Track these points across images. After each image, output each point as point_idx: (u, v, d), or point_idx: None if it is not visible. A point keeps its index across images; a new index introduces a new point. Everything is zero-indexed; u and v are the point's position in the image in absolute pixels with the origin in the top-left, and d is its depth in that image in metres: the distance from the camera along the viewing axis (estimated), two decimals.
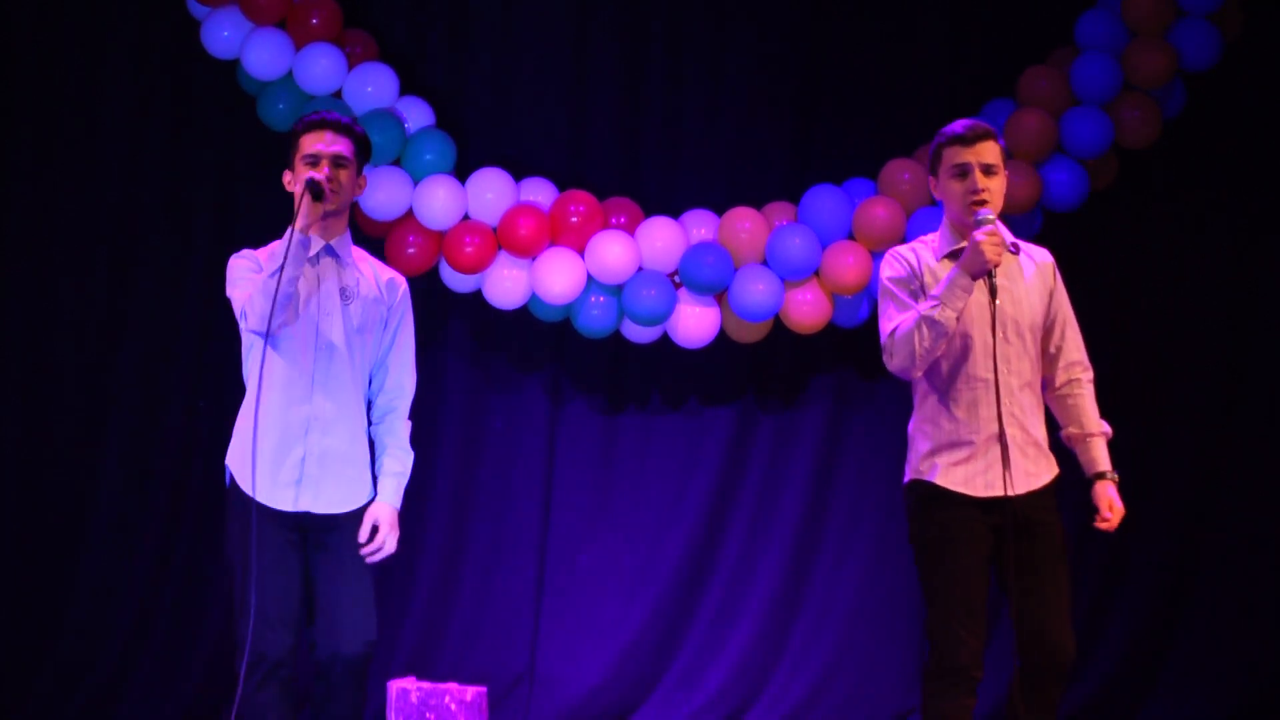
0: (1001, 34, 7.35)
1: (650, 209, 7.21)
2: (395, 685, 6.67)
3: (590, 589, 7.39)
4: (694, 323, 7.08)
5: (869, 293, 7.09)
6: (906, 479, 5.16)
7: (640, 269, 7.06)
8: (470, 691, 6.80)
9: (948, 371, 5.04)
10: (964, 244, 4.99)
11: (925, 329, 4.91)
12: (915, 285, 5.07)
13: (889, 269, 5.12)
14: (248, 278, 5.03)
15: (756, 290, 6.99)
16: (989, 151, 5.01)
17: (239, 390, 7.27)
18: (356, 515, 5.07)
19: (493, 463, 7.38)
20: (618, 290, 7.08)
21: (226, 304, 7.21)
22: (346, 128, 5.06)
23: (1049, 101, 7.01)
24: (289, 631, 4.93)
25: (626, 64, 7.43)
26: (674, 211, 7.22)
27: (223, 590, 7.26)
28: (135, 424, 7.36)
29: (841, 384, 7.41)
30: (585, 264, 7.03)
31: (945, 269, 5.05)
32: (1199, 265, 7.38)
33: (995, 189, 5.01)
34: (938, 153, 5.07)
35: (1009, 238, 5.11)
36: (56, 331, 7.37)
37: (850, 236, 7.08)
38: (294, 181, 5.06)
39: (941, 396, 5.06)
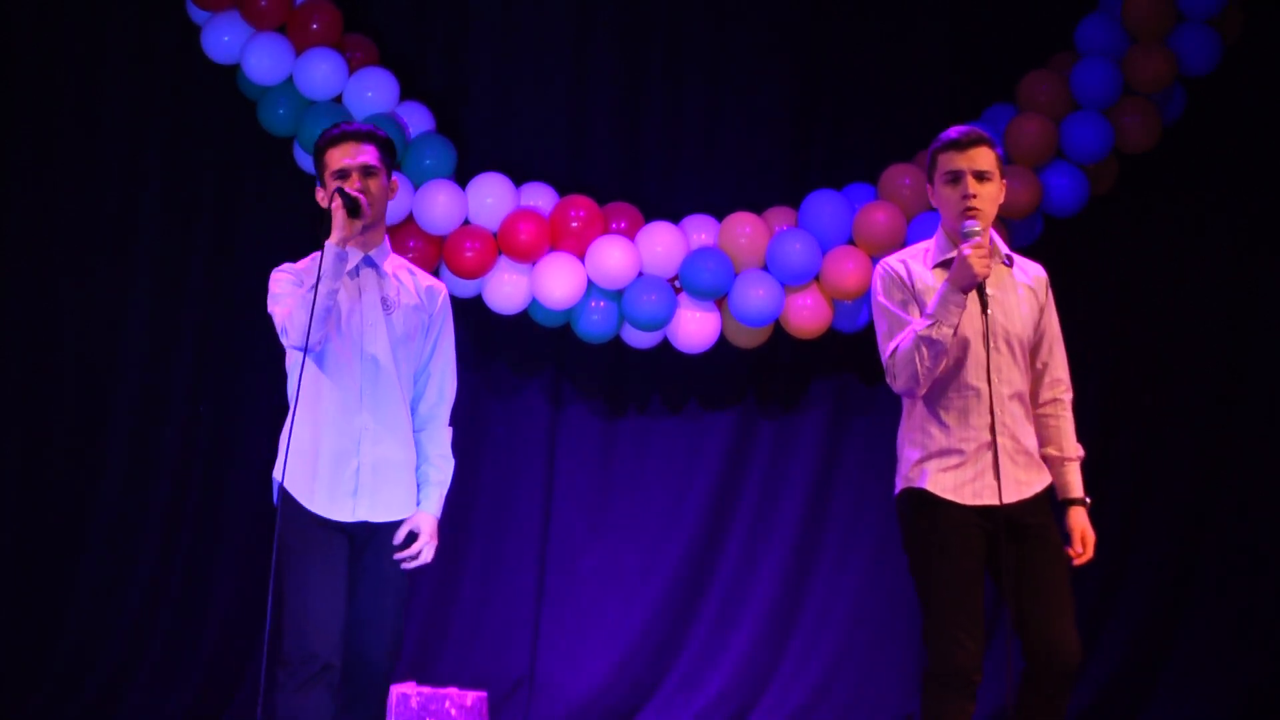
0: (1002, 39, 7.34)
1: (650, 214, 7.21)
2: (395, 690, 6.68)
3: (590, 592, 7.40)
4: (694, 328, 7.09)
5: (869, 298, 7.08)
6: (897, 490, 5.14)
7: (640, 274, 7.06)
8: (470, 696, 6.82)
9: (938, 381, 5.01)
10: (955, 254, 4.97)
11: (924, 348, 4.88)
12: (905, 296, 5.03)
13: (879, 284, 5.09)
14: (289, 293, 5.02)
15: (757, 295, 6.99)
16: (983, 158, 4.96)
17: (239, 390, 7.34)
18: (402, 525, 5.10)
19: (493, 467, 7.38)
20: (618, 295, 7.08)
21: (227, 304, 7.34)
22: (368, 135, 5.04)
23: (1049, 106, 7.00)
24: (338, 636, 4.95)
25: (626, 69, 7.42)
26: (674, 216, 7.21)
27: (224, 590, 7.30)
28: (135, 424, 7.36)
29: (842, 388, 7.41)
30: (585, 269, 7.03)
31: (936, 277, 5.02)
32: (1199, 269, 7.38)
33: (988, 196, 4.96)
34: (933, 159, 5.04)
35: (1003, 249, 5.09)
36: (57, 332, 7.36)
37: (850, 241, 7.08)
38: (326, 198, 5.04)
39: (931, 406, 5.03)
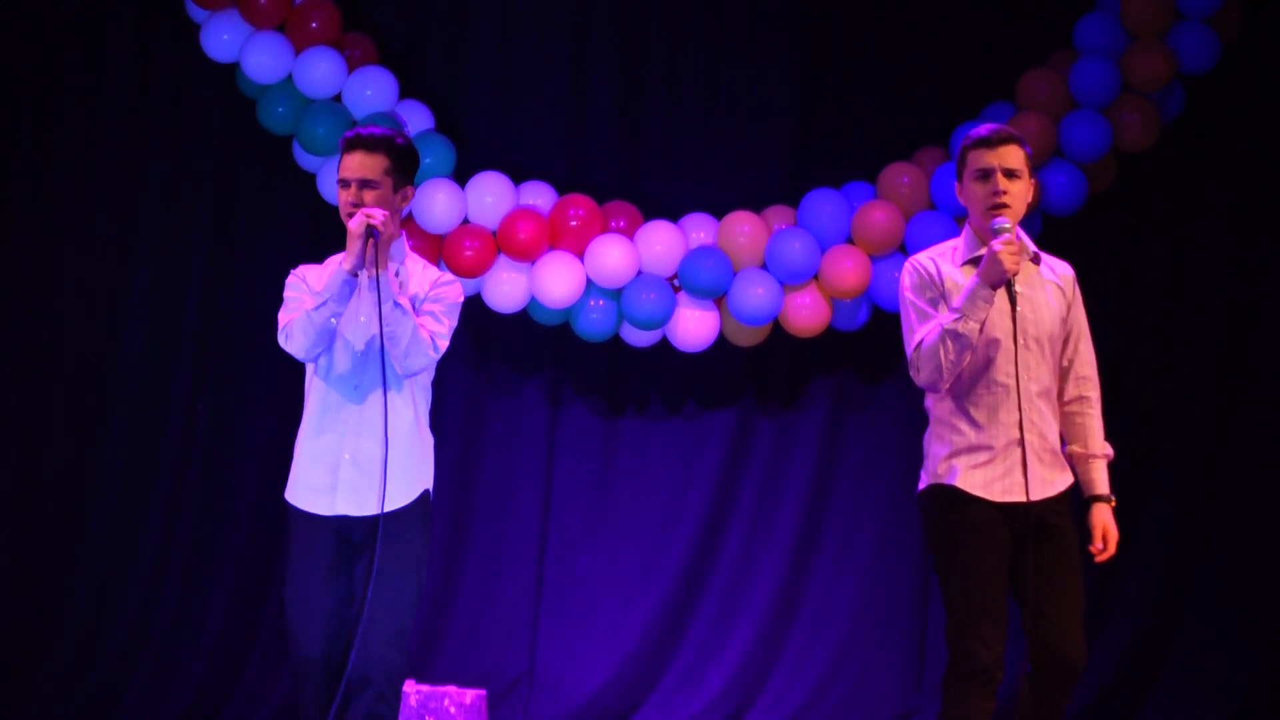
0: (1001, 37, 7.34)
1: (649, 212, 7.21)
2: None
3: (590, 591, 7.40)
4: (693, 326, 7.09)
5: (868, 296, 7.09)
6: (922, 485, 5.18)
7: (639, 273, 7.06)
8: (469, 694, 6.83)
9: (968, 377, 5.06)
10: (985, 251, 5.00)
11: (949, 342, 4.94)
12: (935, 293, 5.09)
13: (907, 279, 5.14)
14: (294, 299, 5.05)
15: (755, 294, 6.99)
16: (1012, 156, 5.03)
17: (239, 390, 7.34)
18: (398, 517, 5.05)
19: (492, 465, 7.38)
20: (617, 294, 7.08)
21: (226, 305, 7.33)
22: (380, 143, 5.00)
23: (1048, 105, 7.00)
24: (329, 635, 4.99)
25: (626, 67, 7.42)
26: (673, 215, 7.22)
27: (224, 589, 7.31)
28: (135, 423, 7.36)
29: (840, 387, 7.41)
30: (584, 268, 7.03)
31: (965, 275, 5.06)
32: (1198, 267, 7.37)
33: (1017, 194, 5.04)
34: (962, 156, 5.10)
35: (1030, 247, 5.15)
36: (57, 331, 7.37)
37: (849, 240, 7.08)
38: (343, 214, 5.05)
39: (960, 402, 5.08)
